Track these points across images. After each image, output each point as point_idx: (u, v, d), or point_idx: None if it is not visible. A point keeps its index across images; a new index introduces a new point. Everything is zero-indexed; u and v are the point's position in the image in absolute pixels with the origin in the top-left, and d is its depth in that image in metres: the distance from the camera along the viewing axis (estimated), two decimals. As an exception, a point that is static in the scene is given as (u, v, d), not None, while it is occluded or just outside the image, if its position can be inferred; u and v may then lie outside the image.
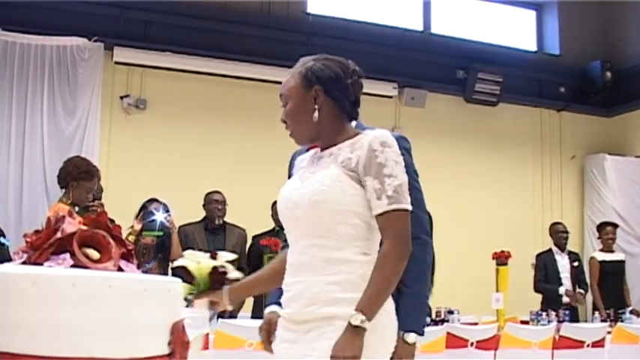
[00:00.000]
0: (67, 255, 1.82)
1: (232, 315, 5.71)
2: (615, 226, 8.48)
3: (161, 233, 6.36)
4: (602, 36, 10.41)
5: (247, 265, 6.48)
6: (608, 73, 9.97)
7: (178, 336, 1.84)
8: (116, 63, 8.03)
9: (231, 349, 4.84)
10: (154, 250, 6.40)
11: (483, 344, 5.91)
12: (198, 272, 2.62)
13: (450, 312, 6.52)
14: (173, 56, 8.16)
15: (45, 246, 1.83)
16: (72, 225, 1.87)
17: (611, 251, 8.33)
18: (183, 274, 2.60)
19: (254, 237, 6.95)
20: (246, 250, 6.87)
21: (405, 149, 2.72)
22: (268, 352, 2.65)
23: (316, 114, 2.50)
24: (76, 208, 5.73)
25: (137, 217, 6.40)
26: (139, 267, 2.11)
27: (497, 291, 6.85)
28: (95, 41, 7.85)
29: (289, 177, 2.74)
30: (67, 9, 7.83)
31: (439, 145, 9.22)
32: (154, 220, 6.28)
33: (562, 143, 10.21)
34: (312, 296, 2.38)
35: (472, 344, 5.85)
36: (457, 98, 9.62)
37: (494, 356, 5.96)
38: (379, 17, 9.30)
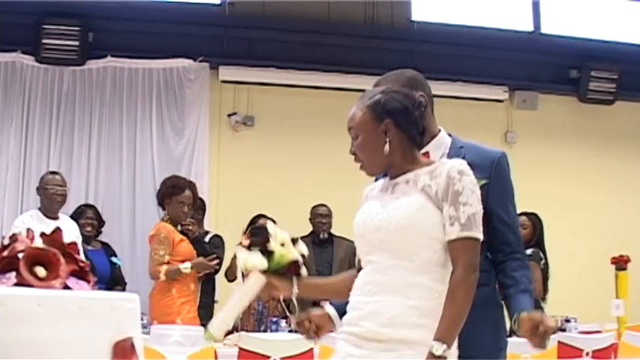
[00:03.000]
0: (13, 273, 1.77)
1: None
2: None
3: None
4: None
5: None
6: None
7: (121, 356, 1.75)
8: (222, 82, 8.09)
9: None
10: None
11: (600, 354, 5.57)
12: (279, 258, 2.63)
13: (567, 320, 6.25)
14: (278, 72, 8.16)
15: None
16: (22, 243, 1.84)
17: None
18: (263, 247, 2.63)
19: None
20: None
21: (508, 165, 2.86)
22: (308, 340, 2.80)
23: (387, 147, 2.57)
24: (179, 227, 5.88)
25: (245, 232, 6.39)
26: None
27: (617, 297, 6.53)
28: (200, 61, 7.94)
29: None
30: (171, 32, 7.95)
31: (554, 147, 8.87)
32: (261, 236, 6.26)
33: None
34: (392, 317, 2.44)
35: (587, 354, 5.53)
36: (571, 98, 9.22)
37: (611, 367, 5.62)
38: (485, 20, 9.03)
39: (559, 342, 5.46)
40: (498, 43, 8.80)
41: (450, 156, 2.80)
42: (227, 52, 8.11)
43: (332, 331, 2.75)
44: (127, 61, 7.78)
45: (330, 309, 2.78)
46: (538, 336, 2.54)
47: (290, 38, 8.29)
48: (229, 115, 8.11)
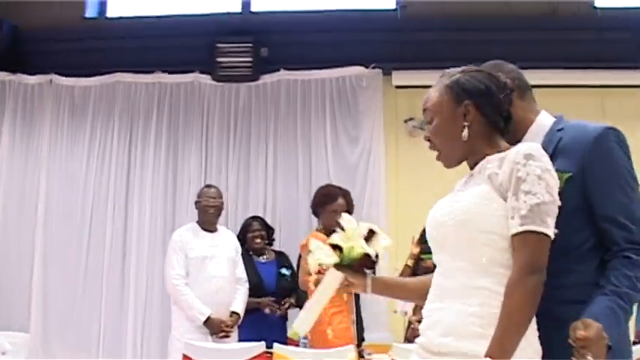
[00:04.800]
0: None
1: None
2: None
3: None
4: None
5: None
6: None
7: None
8: (397, 87, 7.88)
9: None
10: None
11: None
12: (347, 252, 2.47)
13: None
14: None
15: None
16: None
17: None
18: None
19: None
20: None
21: (617, 142, 2.35)
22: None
23: (466, 132, 2.31)
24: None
25: (416, 240, 6.14)
26: None
27: None
28: (373, 68, 7.79)
29: None
30: (342, 40, 7.85)
31: None
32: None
33: None
34: (449, 325, 2.16)
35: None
36: None
37: None
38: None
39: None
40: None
41: (544, 142, 2.39)
42: (400, 57, 7.89)
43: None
44: (299, 73, 7.79)
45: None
46: (577, 349, 2.06)
47: (461, 37, 7.95)
48: (406, 121, 7.87)
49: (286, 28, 7.83)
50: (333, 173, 7.48)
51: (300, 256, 6.21)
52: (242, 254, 6.50)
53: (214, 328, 5.85)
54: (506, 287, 2.10)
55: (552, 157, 2.30)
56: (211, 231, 6.20)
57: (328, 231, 5.78)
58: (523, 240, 2.11)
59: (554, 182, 2.17)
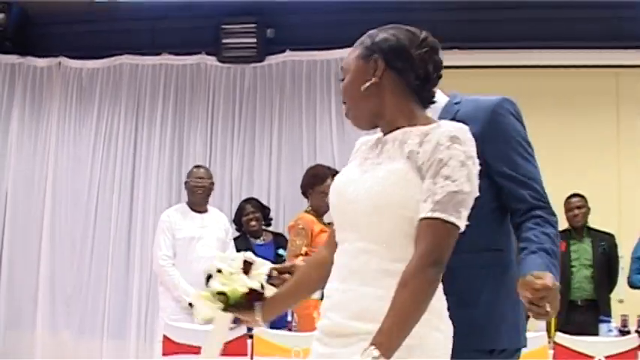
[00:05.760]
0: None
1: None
2: None
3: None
4: None
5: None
6: None
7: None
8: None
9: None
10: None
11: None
12: (231, 294, 2.26)
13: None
14: (462, 53, 7.71)
15: None
16: None
17: None
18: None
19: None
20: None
21: (512, 112, 2.37)
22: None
23: (368, 84, 2.13)
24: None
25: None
26: None
27: None
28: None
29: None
30: (347, 20, 7.70)
31: None
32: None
33: None
34: (360, 310, 2.00)
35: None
36: None
37: None
38: None
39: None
40: None
41: (441, 115, 2.33)
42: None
43: None
44: (305, 54, 7.73)
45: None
46: (533, 302, 2.00)
47: (476, 17, 7.80)
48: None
49: (292, 9, 7.75)
50: (338, 155, 7.42)
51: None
52: (239, 237, 6.49)
53: (200, 309, 5.81)
54: (402, 275, 1.93)
55: None
56: (201, 212, 6.19)
57: (318, 212, 5.75)
58: (431, 227, 1.95)
59: (475, 172, 2.02)
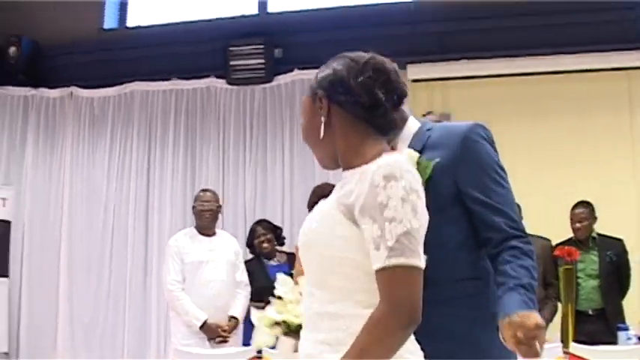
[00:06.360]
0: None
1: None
2: None
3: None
4: None
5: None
6: None
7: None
8: (413, 81, 7.74)
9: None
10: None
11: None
12: (291, 323, 2.38)
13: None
14: (471, 63, 7.68)
15: None
16: None
17: None
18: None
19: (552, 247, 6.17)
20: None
21: (484, 137, 2.33)
22: None
23: (322, 128, 2.02)
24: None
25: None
26: None
27: None
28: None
29: None
30: (356, 37, 7.72)
31: None
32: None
33: None
34: (305, 357, 1.95)
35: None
36: None
37: None
38: None
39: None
40: None
41: (412, 143, 2.30)
42: (415, 50, 7.76)
43: None
44: (313, 72, 7.61)
45: None
46: (523, 342, 1.98)
47: (481, 26, 7.77)
48: (424, 115, 7.70)
49: (298, 28, 7.80)
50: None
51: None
52: (253, 259, 6.47)
53: (211, 333, 5.82)
54: (368, 320, 1.81)
55: (421, 152, 2.29)
56: (209, 235, 6.18)
57: None
58: (393, 276, 1.81)
59: (421, 202, 1.88)
